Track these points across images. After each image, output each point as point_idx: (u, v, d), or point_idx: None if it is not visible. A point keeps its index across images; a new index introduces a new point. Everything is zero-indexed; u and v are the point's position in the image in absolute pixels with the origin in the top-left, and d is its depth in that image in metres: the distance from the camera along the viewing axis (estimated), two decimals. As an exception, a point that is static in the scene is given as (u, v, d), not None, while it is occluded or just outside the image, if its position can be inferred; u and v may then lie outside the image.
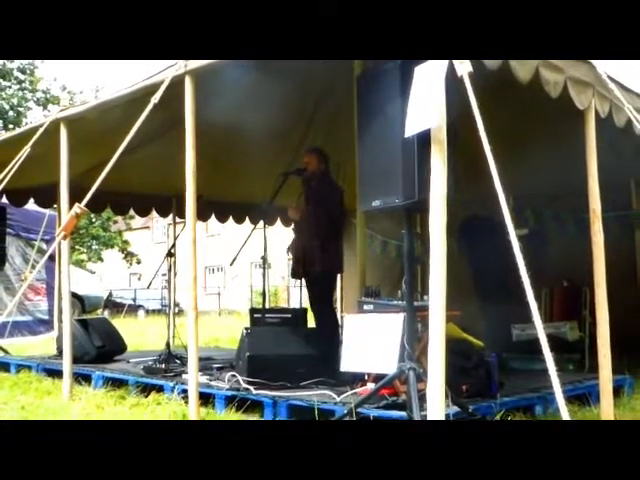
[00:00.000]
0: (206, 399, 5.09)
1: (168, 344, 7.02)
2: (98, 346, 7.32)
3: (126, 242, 30.57)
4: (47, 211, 11.09)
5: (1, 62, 25.57)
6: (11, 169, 6.36)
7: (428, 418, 3.48)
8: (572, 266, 6.67)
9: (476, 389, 4.63)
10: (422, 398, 3.67)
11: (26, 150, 6.27)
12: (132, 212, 10.54)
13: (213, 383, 5.46)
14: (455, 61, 3.51)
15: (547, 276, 7.33)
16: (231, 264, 7.19)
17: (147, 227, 41.23)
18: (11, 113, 25.87)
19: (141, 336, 12.17)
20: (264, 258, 6.31)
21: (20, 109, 26.15)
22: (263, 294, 6.98)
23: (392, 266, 9.17)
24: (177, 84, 4.87)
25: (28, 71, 26.37)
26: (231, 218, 10.58)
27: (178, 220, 9.30)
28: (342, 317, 5.85)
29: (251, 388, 5.08)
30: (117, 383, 6.15)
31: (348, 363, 4.66)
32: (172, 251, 7.28)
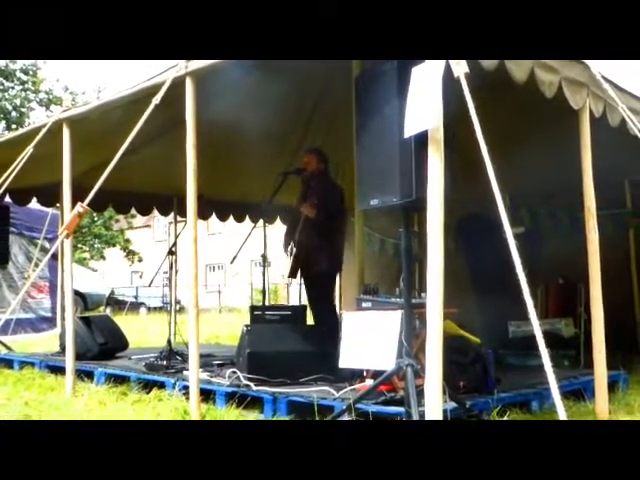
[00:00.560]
0: (207, 395, 5.09)
1: (169, 341, 7.01)
2: (100, 343, 7.32)
3: (128, 240, 30.56)
4: (50, 210, 11.08)
5: (4, 63, 25.54)
6: (14, 169, 6.36)
7: (426, 414, 3.48)
8: (567, 263, 6.67)
9: (473, 385, 4.64)
10: (420, 394, 3.67)
11: (29, 150, 6.27)
12: (134, 211, 10.50)
13: (214, 379, 5.46)
14: (452, 62, 3.51)
15: (543, 273, 7.33)
16: (231, 262, 7.20)
17: (148, 226, 41.22)
18: (14, 114, 25.85)
19: (143, 333, 12.16)
20: (264, 256, 6.32)
21: (23, 110, 26.14)
22: (263, 292, 6.98)
23: (390, 264, 9.17)
24: (178, 85, 4.87)
25: (31, 72, 26.33)
26: (231, 217, 10.57)
27: (179, 219, 9.30)
28: (341, 314, 5.85)
29: (251, 384, 5.08)
30: (119, 380, 6.15)
31: (347, 360, 4.66)
32: (173, 249, 7.28)
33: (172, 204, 9.70)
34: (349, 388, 4.73)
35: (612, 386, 5.19)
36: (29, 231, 12.41)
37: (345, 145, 6.71)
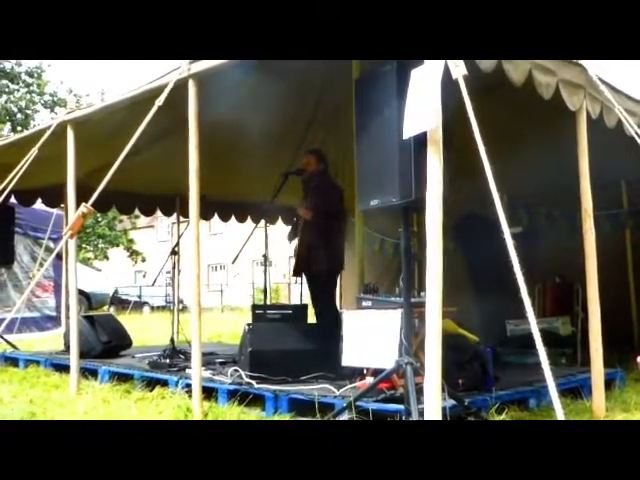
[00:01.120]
0: (209, 393, 5.08)
1: (172, 340, 7.03)
2: (104, 342, 7.32)
3: (131, 241, 30.56)
4: (54, 211, 11.09)
5: (9, 66, 25.57)
6: (19, 170, 6.36)
7: (425, 411, 3.48)
8: (564, 263, 6.67)
9: (472, 383, 4.63)
10: (419, 392, 3.67)
11: (34, 152, 6.26)
12: (137, 212, 10.53)
13: (216, 377, 5.46)
14: (450, 64, 3.51)
15: (540, 273, 7.34)
16: (233, 262, 7.20)
17: (152, 226, 41.22)
18: (19, 115, 25.88)
19: (146, 332, 12.17)
20: (265, 256, 6.33)
21: (28, 112, 26.17)
22: (265, 291, 6.98)
23: (390, 264, 9.19)
24: (181, 87, 4.87)
25: (36, 74, 26.36)
26: (233, 217, 10.58)
27: (182, 219, 9.32)
28: (341, 313, 5.85)
29: (253, 382, 5.08)
30: (123, 378, 6.15)
31: (347, 358, 4.66)
32: (176, 249, 7.28)
33: (175, 205, 9.71)
34: (349, 386, 4.73)
35: (609, 384, 5.19)
36: (34, 231, 12.41)
37: (345, 146, 6.73)
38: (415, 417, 3.68)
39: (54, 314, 12.82)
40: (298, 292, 6.78)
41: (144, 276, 38.36)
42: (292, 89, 6.24)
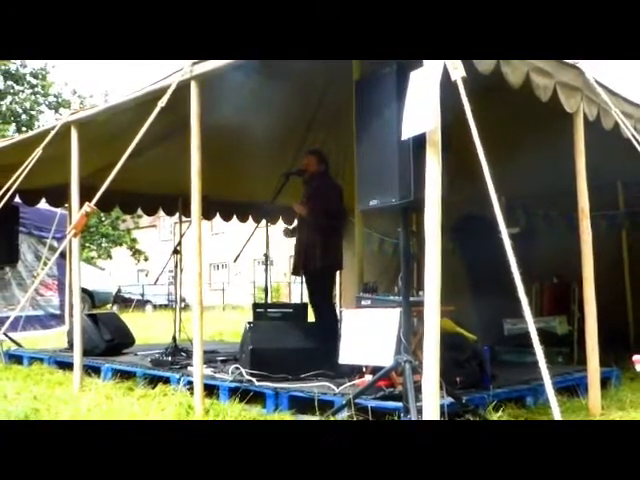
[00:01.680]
0: (211, 390, 5.09)
1: (174, 338, 7.03)
2: (107, 340, 7.32)
3: (134, 240, 30.53)
4: (58, 210, 11.07)
5: (14, 67, 25.57)
6: (24, 170, 6.36)
7: (423, 409, 3.49)
8: (561, 263, 6.67)
9: (469, 381, 4.63)
10: (418, 389, 3.67)
11: (38, 152, 6.26)
12: (140, 211, 10.53)
13: (217, 375, 5.46)
14: (449, 66, 3.51)
15: (537, 273, 7.34)
16: (235, 261, 7.20)
17: (154, 226, 41.20)
18: (24, 116, 25.87)
19: (148, 330, 12.16)
20: (266, 255, 6.32)
21: (33, 112, 26.15)
22: (265, 290, 6.98)
23: (389, 263, 9.17)
24: (183, 88, 4.87)
25: (40, 76, 26.34)
26: (235, 217, 10.58)
27: (184, 219, 9.31)
28: (341, 312, 5.85)
29: (254, 380, 5.08)
30: (125, 375, 6.15)
31: (347, 356, 4.66)
32: (178, 248, 7.28)
33: (177, 204, 9.70)
34: (349, 384, 4.73)
35: (605, 382, 5.19)
36: (38, 230, 12.41)
37: (345, 146, 6.73)
38: (414, 414, 3.69)
39: (58, 312, 12.83)
40: (299, 291, 6.77)
41: (147, 275, 38.31)
42: (293, 91, 6.24)
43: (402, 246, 4.21)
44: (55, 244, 11.71)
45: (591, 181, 4.65)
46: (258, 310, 6.58)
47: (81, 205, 5.34)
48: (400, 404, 3.99)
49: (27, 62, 25.80)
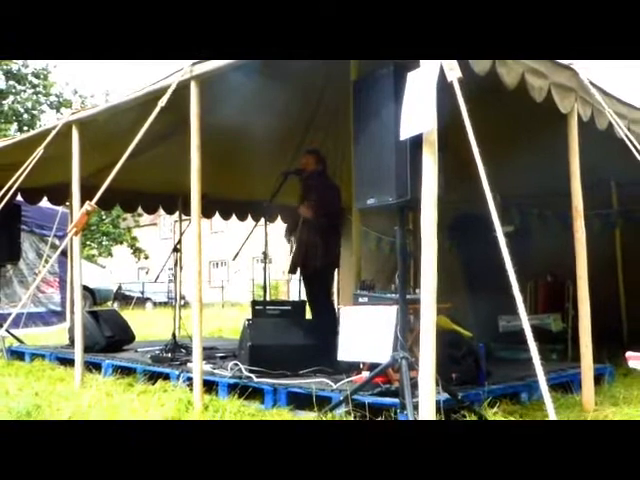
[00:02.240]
0: (210, 386, 5.09)
1: (174, 334, 7.03)
2: (108, 336, 7.32)
3: (134, 238, 30.51)
4: (60, 208, 11.05)
5: (16, 67, 25.52)
6: (26, 169, 6.35)
7: (419, 405, 3.49)
8: (556, 261, 6.66)
9: (465, 377, 4.64)
10: (414, 386, 3.67)
11: (40, 151, 6.26)
12: (140, 210, 10.52)
13: (217, 371, 5.46)
14: (445, 67, 3.51)
15: (532, 271, 7.34)
16: (234, 259, 7.20)
17: (154, 224, 41.15)
18: (26, 116, 25.81)
19: (149, 327, 12.16)
20: (265, 253, 6.32)
21: (34, 112, 26.09)
22: (264, 287, 6.98)
23: (386, 261, 9.17)
24: (183, 88, 4.87)
25: (42, 76, 26.28)
26: (234, 215, 10.58)
27: (184, 217, 9.30)
28: (339, 309, 5.85)
29: (252, 376, 5.08)
30: (126, 371, 6.15)
31: (344, 353, 4.66)
32: (178, 246, 7.28)
33: (177, 203, 9.71)
34: (346, 380, 4.74)
35: (598, 379, 5.20)
36: (39, 229, 12.41)
37: (343, 146, 6.73)
38: (410, 410, 3.69)
39: (59, 309, 12.83)
40: (297, 289, 6.77)
41: (147, 273, 38.28)
42: (292, 91, 6.24)
43: (399, 244, 4.21)
44: (56, 242, 11.70)
45: (585, 180, 4.65)
46: (257, 307, 6.57)
47: (82, 204, 5.34)
48: (397, 400, 3.99)
49: (29, 62, 25.76)
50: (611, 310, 7.83)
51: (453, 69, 3.50)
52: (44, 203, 9.61)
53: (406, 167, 3.81)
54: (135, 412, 4.52)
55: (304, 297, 6.60)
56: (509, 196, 7.58)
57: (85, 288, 12.86)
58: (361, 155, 4.23)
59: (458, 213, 7.73)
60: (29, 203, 9.37)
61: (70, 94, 27.15)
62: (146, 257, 30.99)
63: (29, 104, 25.96)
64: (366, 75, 4.29)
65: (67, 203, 9.14)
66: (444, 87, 3.51)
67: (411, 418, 3.67)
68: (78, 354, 5.97)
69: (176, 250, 7.26)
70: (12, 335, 8.62)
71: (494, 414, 4.15)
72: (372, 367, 4.44)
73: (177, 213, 9.94)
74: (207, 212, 9.39)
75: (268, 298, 6.98)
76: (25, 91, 26.24)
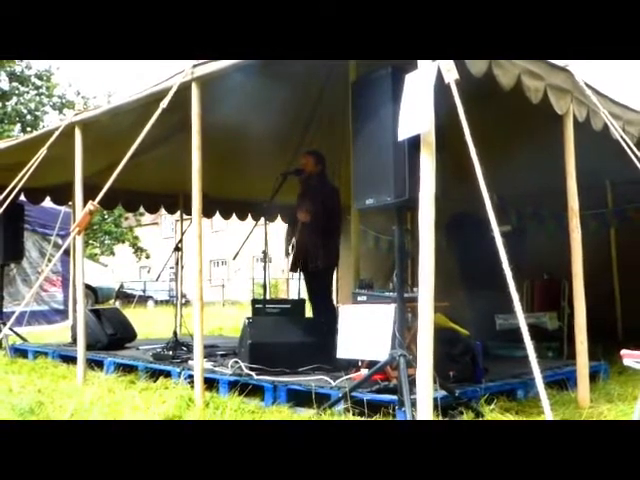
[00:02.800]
0: (210, 384, 5.10)
1: (175, 332, 7.03)
2: (110, 334, 7.32)
3: (136, 237, 30.51)
4: (62, 208, 11.05)
5: (20, 69, 25.52)
6: (29, 169, 6.35)
7: (417, 402, 3.49)
8: (552, 260, 6.66)
9: (462, 374, 4.64)
10: (412, 383, 3.68)
11: (43, 151, 6.26)
12: (142, 209, 10.53)
13: (217, 369, 5.47)
14: (443, 69, 3.51)
15: (528, 269, 7.33)
16: (234, 258, 7.20)
17: (156, 223, 41.14)
18: (29, 117, 25.82)
19: (150, 325, 12.16)
20: (265, 252, 6.32)
21: (37, 113, 26.10)
22: (264, 286, 6.98)
23: (384, 260, 9.17)
24: (184, 90, 4.87)
25: (45, 77, 26.30)
26: (234, 215, 10.58)
27: (185, 217, 9.29)
28: (338, 307, 5.85)
29: (253, 373, 5.09)
30: (127, 369, 6.15)
31: (343, 350, 4.67)
32: (179, 246, 7.27)
33: (178, 203, 9.72)
34: (345, 377, 4.74)
35: (593, 376, 5.21)
36: (42, 228, 12.40)
37: (342, 147, 6.72)
38: (408, 407, 3.69)
39: (62, 307, 12.82)
40: (296, 287, 6.77)
41: (148, 271, 38.29)
42: (292, 92, 6.23)
43: (397, 244, 4.22)
44: (59, 241, 11.71)
45: (580, 181, 4.65)
46: (257, 306, 6.58)
47: (85, 203, 5.34)
48: (395, 397, 4.00)
49: (32, 64, 25.79)
50: (606, 308, 7.83)
51: (450, 71, 3.50)
52: (47, 203, 9.61)
53: (404, 167, 3.81)
54: (137, 409, 4.52)
55: (304, 296, 6.61)
56: (506, 196, 7.58)
57: (87, 287, 12.81)
58: (360, 156, 4.23)
59: (455, 213, 7.73)
60: (32, 203, 9.37)
61: (73, 95, 27.22)
62: (147, 256, 31.00)
63: (32, 105, 25.97)
64: (364, 77, 4.29)
65: (70, 203, 9.14)
66: (441, 88, 3.51)
67: (409, 415, 3.68)
68: (80, 352, 5.97)
69: (177, 249, 7.26)
70: (15, 333, 8.62)
71: (491, 411, 4.15)
72: (371, 365, 4.44)
73: (178, 213, 9.94)
74: (208, 212, 9.38)
75: (268, 297, 6.97)
76: (28, 92, 26.26)
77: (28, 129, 24.27)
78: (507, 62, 3.94)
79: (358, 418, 4.10)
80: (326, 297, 6.50)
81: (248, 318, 5.71)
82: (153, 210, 10.49)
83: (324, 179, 6.38)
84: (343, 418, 4.11)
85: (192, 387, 4.87)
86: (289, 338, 5.48)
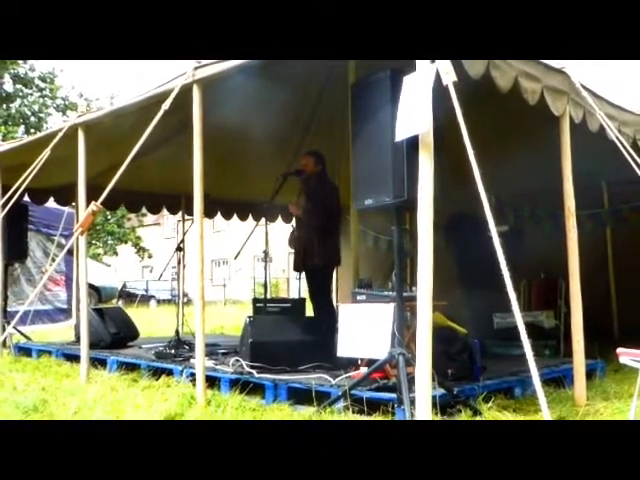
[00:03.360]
0: (212, 382, 5.09)
1: (177, 331, 7.03)
2: (113, 333, 7.32)
3: (139, 237, 30.49)
4: (66, 209, 11.06)
5: (23, 71, 25.51)
6: (33, 170, 6.35)
7: (416, 400, 3.49)
8: (549, 259, 6.66)
9: (460, 373, 4.64)
10: (411, 381, 3.67)
11: (46, 153, 6.26)
12: (144, 210, 10.52)
13: (219, 367, 5.47)
14: (441, 71, 3.51)
15: (526, 269, 7.33)
16: (235, 258, 7.20)
17: (158, 224, 41.14)
18: (33, 119, 25.79)
19: (152, 324, 12.15)
20: (266, 252, 6.32)
21: (41, 115, 26.08)
22: (265, 285, 6.99)
23: (383, 260, 9.17)
24: (186, 92, 4.87)
25: (48, 79, 26.27)
26: (235, 215, 10.57)
27: (187, 217, 9.29)
28: (337, 306, 5.85)
29: (253, 372, 5.09)
30: (130, 367, 6.15)
31: (343, 349, 4.67)
32: (181, 245, 7.28)
33: (180, 203, 9.69)
34: (345, 375, 4.74)
35: (590, 374, 5.20)
36: (46, 228, 12.38)
37: (341, 148, 6.72)
38: (407, 405, 3.69)
39: (65, 307, 12.83)
40: (297, 286, 6.77)
41: (151, 271, 38.29)
42: (292, 94, 6.23)
43: (396, 243, 4.21)
44: (63, 241, 11.70)
45: (577, 181, 4.65)
46: (258, 305, 6.58)
47: (88, 204, 5.34)
48: (394, 395, 3.99)
49: (35, 66, 25.76)
50: (602, 307, 7.83)
51: (449, 73, 3.50)
52: (51, 203, 9.60)
53: (403, 168, 3.81)
54: (139, 407, 4.52)
55: (304, 295, 6.60)
56: (503, 196, 7.58)
57: (91, 286, 12.83)
58: (359, 156, 4.23)
59: (453, 213, 7.72)
60: (36, 203, 9.36)
61: (76, 97, 27.14)
62: (150, 256, 30.97)
63: (36, 107, 25.96)
64: (364, 79, 4.29)
65: (73, 203, 9.13)
66: (440, 90, 3.50)
67: (408, 413, 3.67)
68: (84, 350, 5.96)
69: (179, 249, 7.26)
70: (19, 332, 8.62)
71: (489, 409, 4.15)
72: (370, 363, 4.44)
73: (180, 213, 9.93)
74: (209, 212, 9.35)
75: (269, 296, 6.98)
76: (32, 94, 26.23)
77: (32, 131, 24.26)
78: (504, 64, 3.93)
79: (358, 416, 4.10)
80: (325, 295, 6.50)
81: (249, 317, 5.71)
82: (155, 211, 10.48)
83: (324, 178, 6.38)
84: (343, 416, 4.11)
85: (194, 385, 4.87)
86: (289, 337, 5.48)
